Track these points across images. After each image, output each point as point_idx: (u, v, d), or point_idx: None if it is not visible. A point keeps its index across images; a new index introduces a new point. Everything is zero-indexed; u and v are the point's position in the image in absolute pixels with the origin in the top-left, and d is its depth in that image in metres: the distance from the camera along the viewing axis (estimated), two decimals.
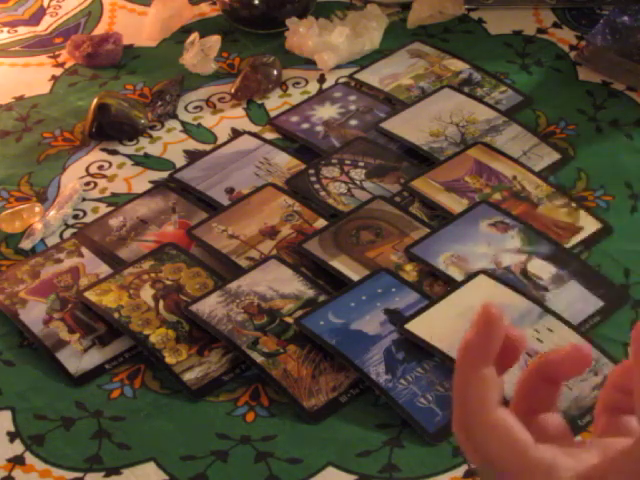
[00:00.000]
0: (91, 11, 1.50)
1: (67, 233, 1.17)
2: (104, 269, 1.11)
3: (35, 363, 1.04)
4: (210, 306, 1.04)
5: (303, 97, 1.32)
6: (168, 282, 1.08)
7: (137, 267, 1.10)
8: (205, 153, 1.24)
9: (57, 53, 1.42)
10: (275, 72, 1.33)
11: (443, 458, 0.92)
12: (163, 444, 0.96)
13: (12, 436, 0.97)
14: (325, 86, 1.33)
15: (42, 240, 1.16)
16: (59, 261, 1.12)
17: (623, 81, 1.29)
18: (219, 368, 1.00)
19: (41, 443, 0.97)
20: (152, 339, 1.02)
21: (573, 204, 1.13)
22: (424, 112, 1.25)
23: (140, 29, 1.44)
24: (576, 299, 1.03)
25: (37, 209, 1.18)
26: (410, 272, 1.07)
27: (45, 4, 1.52)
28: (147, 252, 1.12)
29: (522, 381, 0.54)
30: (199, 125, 1.29)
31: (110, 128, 1.27)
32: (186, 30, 1.43)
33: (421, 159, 1.21)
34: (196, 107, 1.32)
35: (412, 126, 1.24)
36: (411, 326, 1.00)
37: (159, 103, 1.31)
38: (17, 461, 0.95)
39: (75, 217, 1.19)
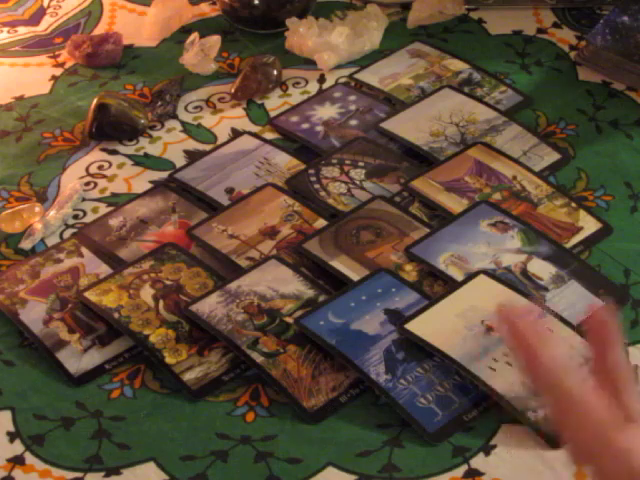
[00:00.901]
0: (91, 11, 1.50)
1: (67, 233, 1.17)
2: (104, 269, 1.11)
3: (35, 363, 1.04)
4: (210, 306, 1.04)
5: (303, 97, 1.32)
6: (168, 282, 1.08)
7: (137, 267, 1.10)
8: (205, 153, 1.24)
9: (57, 53, 1.42)
10: (275, 72, 1.33)
11: (443, 458, 0.93)
12: (163, 444, 0.96)
13: (12, 436, 0.97)
14: (325, 86, 1.33)
15: (42, 240, 1.16)
16: (59, 261, 1.12)
17: (623, 81, 1.29)
18: (219, 368, 1.00)
19: (41, 443, 0.97)
20: (152, 339, 1.02)
21: (573, 204, 1.13)
22: (424, 112, 1.25)
23: (140, 29, 1.44)
24: (576, 299, 1.03)
25: (37, 209, 1.18)
26: (410, 272, 1.07)
27: (45, 4, 1.52)
28: (147, 252, 1.12)
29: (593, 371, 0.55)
30: (199, 125, 1.29)
31: (110, 128, 1.27)
32: (186, 30, 1.43)
33: (421, 159, 1.21)
34: (196, 107, 1.32)
35: (412, 126, 1.24)
36: (411, 326, 1.00)
37: (159, 103, 1.31)
38: (17, 461, 0.95)
39: (75, 217, 1.19)
